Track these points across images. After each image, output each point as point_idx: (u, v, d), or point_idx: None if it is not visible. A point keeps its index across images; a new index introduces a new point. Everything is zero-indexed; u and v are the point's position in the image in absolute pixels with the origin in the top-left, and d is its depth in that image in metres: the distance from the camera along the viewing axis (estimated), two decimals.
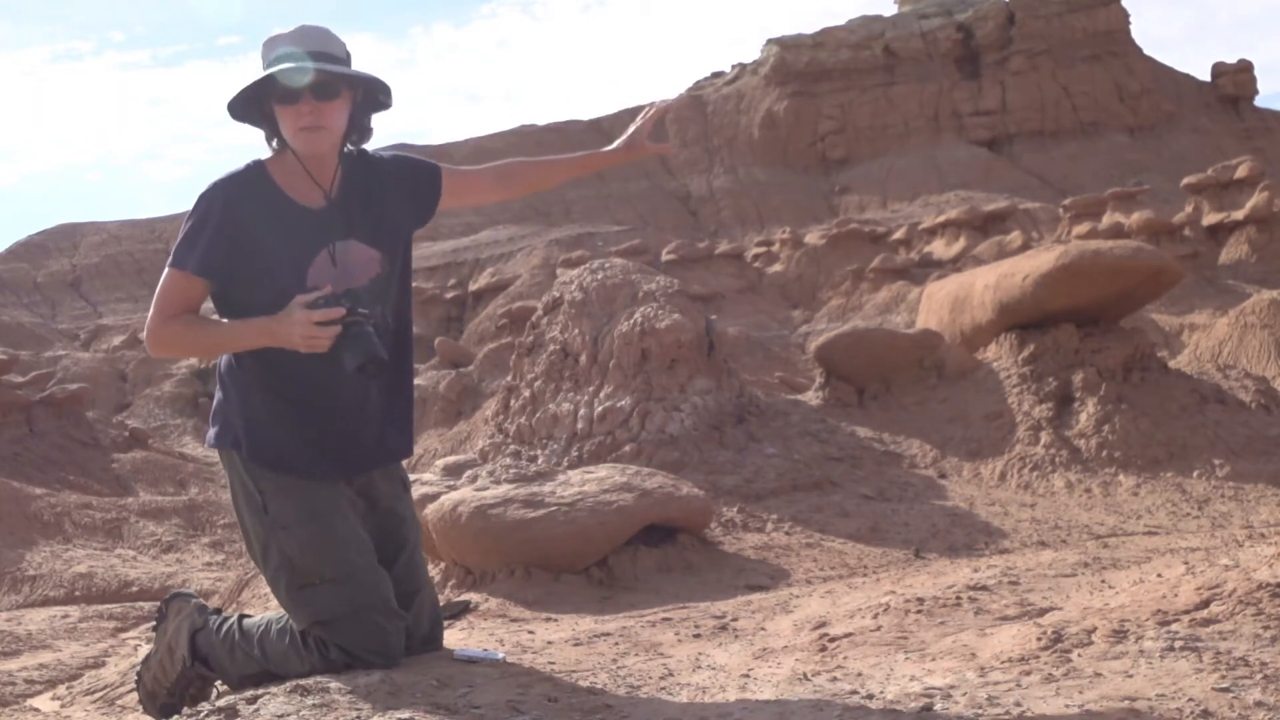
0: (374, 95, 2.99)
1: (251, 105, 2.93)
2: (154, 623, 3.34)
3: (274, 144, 2.95)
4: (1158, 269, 11.40)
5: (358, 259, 2.96)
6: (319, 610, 2.90)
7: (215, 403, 3.09)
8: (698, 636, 3.76)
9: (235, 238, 2.85)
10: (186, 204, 2.93)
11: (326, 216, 2.94)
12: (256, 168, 2.94)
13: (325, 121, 2.87)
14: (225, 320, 2.94)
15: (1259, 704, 2.19)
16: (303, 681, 2.77)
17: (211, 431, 3.09)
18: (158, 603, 3.46)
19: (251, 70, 2.94)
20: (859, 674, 2.82)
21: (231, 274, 2.89)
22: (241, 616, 3.16)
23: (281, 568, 2.96)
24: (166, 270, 2.90)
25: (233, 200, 2.87)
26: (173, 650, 3.18)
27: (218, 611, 3.23)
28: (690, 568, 6.69)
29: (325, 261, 2.92)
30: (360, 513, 3.05)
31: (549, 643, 3.71)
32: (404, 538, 3.15)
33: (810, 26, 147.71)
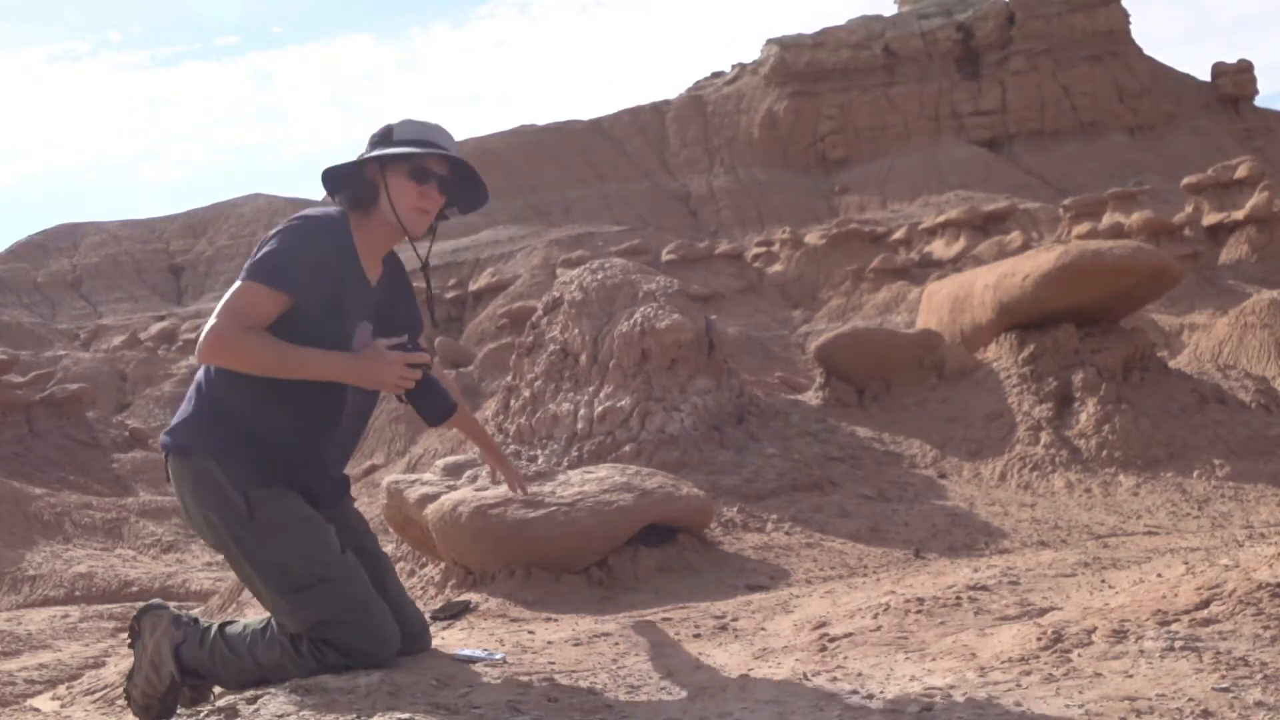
0: (453, 202, 3.15)
1: (354, 169, 3.03)
2: (129, 639, 3.29)
3: (339, 204, 3.07)
4: (1158, 269, 11.39)
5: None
6: (319, 610, 2.91)
7: (191, 412, 3.05)
8: (698, 636, 3.76)
9: (327, 277, 2.93)
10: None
11: (374, 296, 3.10)
12: (346, 223, 3.04)
13: (434, 210, 3.05)
14: (298, 346, 2.92)
15: (1259, 704, 2.19)
16: (303, 681, 2.77)
17: (178, 439, 3.04)
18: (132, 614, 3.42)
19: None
20: (859, 674, 2.82)
21: (304, 307, 2.91)
22: (222, 625, 3.14)
23: (273, 574, 2.96)
24: (249, 283, 2.87)
25: (335, 242, 2.97)
26: (158, 666, 3.15)
27: (194, 620, 3.21)
28: (690, 568, 6.68)
29: (366, 334, 3.04)
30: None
31: (549, 643, 3.71)
32: (360, 532, 3.25)
33: (810, 26, 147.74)
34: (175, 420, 3.09)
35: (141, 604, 3.40)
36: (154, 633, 3.19)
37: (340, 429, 3.12)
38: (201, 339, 2.89)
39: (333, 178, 3.07)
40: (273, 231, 2.94)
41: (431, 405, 3.01)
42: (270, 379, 2.93)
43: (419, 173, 3.00)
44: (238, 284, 2.89)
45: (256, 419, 2.99)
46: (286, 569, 2.94)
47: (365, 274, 3.05)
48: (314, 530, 2.98)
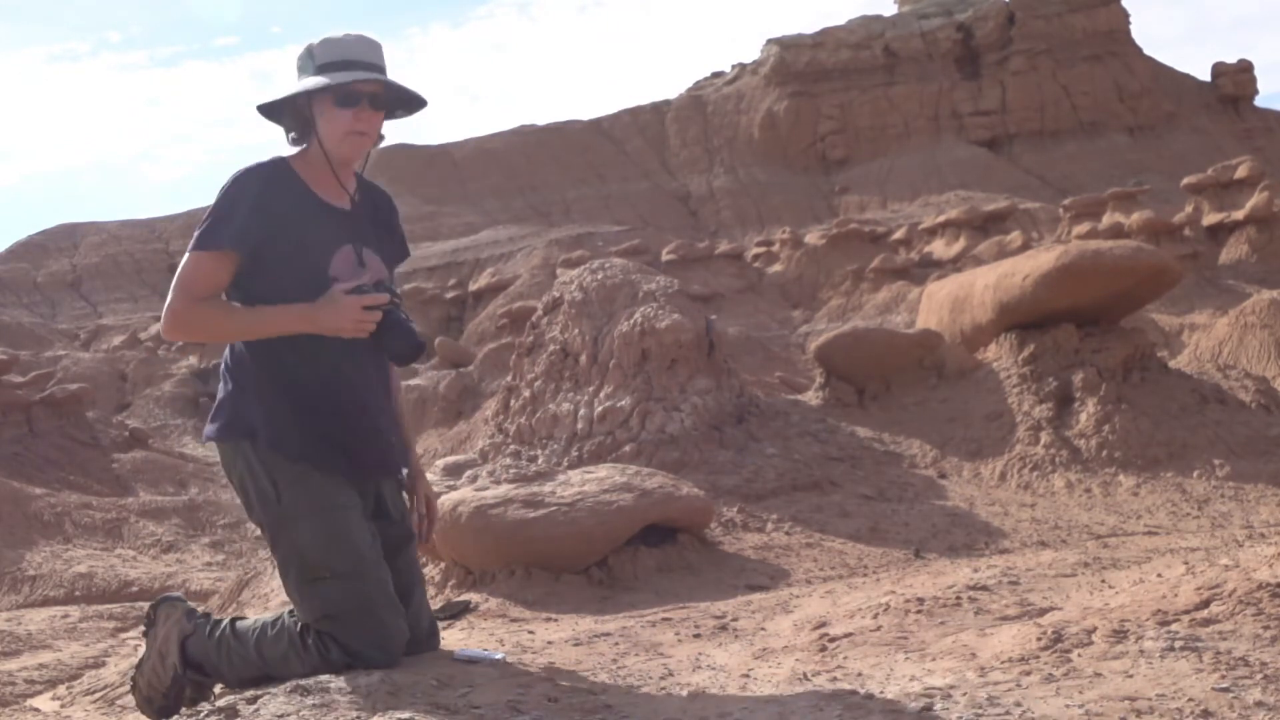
0: (394, 109, 3.09)
1: (286, 102, 3.00)
2: (144, 627, 3.31)
3: (291, 139, 3.02)
4: (1158, 269, 11.39)
5: (373, 266, 3.05)
6: (328, 604, 2.90)
7: (222, 396, 3.07)
8: (698, 636, 3.76)
9: (269, 220, 2.90)
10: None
11: (351, 219, 3.04)
12: (283, 163, 3.01)
13: (372, 130, 2.99)
14: (254, 307, 2.93)
15: (1259, 704, 2.19)
16: (303, 681, 2.77)
17: (215, 425, 3.06)
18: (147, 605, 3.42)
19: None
20: (859, 674, 2.82)
21: (260, 256, 2.90)
22: (234, 619, 3.14)
23: (291, 559, 2.95)
24: (192, 254, 2.91)
25: (268, 186, 2.94)
26: (164, 657, 3.16)
27: (206, 615, 3.21)
28: (690, 568, 6.69)
29: (350, 259, 2.99)
30: (368, 512, 3.08)
31: (549, 643, 3.71)
32: (405, 533, 3.19)
33: (810, 26, 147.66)
34: (213, 408, 3.12)
35: (160, 596, 3.40)
36: (166, 622, 3.20)
37: (360, 371, 3.04)
38: (161, 319, 2.96)
39: (269, 111, 3.05)
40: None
41: (395, 346, 2.94)
42: (272, 342, 2.94)
43: (346, 98, 2.93)
44: (185, 257, 2.93)
45: (278, 389, 2.98)
46: (303, 556, 2.93)
47: (329, 202, 3.01)
48: (338, 521, 2.94)
